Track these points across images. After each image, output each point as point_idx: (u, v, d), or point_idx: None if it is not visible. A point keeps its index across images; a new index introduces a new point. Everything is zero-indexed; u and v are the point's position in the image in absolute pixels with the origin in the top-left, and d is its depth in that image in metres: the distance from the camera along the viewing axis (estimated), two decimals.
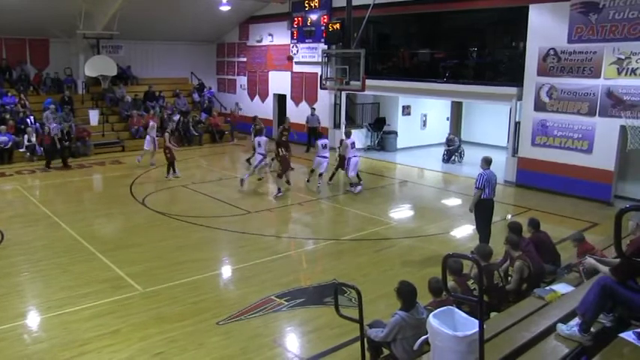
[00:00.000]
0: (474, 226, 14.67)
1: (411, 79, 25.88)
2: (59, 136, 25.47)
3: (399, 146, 29.90)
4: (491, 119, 29.86)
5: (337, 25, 26.46)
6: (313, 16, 29.70)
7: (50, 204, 18.98)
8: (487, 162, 14.21)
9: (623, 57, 18.79)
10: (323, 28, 28.39)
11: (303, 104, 31.52)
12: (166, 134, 23.37)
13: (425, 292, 8.36)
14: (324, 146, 21.60)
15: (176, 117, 31.62)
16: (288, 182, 20.79)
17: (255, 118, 26.92)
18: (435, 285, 8.27)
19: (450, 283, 8.54)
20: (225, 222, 17.25)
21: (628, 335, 6.43)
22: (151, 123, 26.44)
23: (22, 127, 26.93)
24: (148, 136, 25.73)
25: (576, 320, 6.90)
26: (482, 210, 14.15)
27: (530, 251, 10.37)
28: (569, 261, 10.90)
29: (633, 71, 18.64)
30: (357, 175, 21.41)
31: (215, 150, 30.65)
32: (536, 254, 10.43)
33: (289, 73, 32.40)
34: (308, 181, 21.82)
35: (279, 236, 16.34)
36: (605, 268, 7.48)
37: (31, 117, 27.74)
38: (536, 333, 7.14)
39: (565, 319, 7.24)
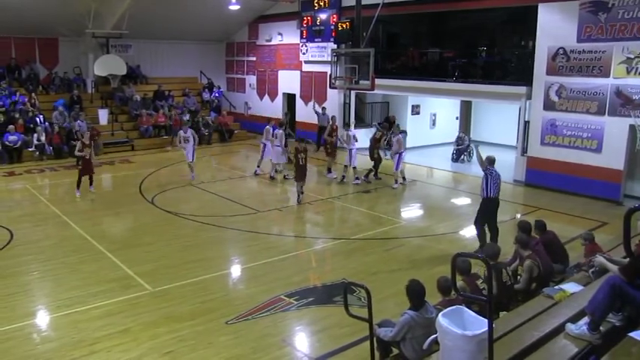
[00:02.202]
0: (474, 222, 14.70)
1: (420, 79, 25.85)
2: (84, 132, 25.66)
3: (408, 145, 29.78)
4: (500, 118, 29.79)
5: (346, 25, 26.52)
6: (322, 16, 29.69)
7: (59, 203, 19.02)
8: (491, 161, 14.27)
9: (632, 56, 18.73)
10: (332, 27, 28.39)
11: (313, 103, 31.49)
12: (79, 143, 20.12)
13: (434, 291, 8.36)
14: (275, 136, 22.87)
15: (186, 117, 31.70)
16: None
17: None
18: (444, 284, 8.27)
19: (459, 282, 8.54)
20: (234, 221, 17.26)
21: (637, 335, 6.41)
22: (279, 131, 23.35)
23: (32, 126, 27.01)
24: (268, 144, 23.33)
25: (585, 320, 6.88)
26: (488, 208, 14.22)
27: (540, 250, 10.35)
28: (578, 260, 10.88)
29: None
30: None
31: (224, 149, 30.68)
32: (545, 253, 10.42)
33: (299, 72, 32.41)
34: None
35: (288, 235, 16.38)
36: (614, 267, 7.47)
37: (41, 116, 27.81)
38: (546, 332, 7.13)
39: (574, 319, 7.22)
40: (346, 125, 23.89)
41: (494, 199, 14.19)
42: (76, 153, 20.40)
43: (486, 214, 14.37)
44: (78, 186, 19.89)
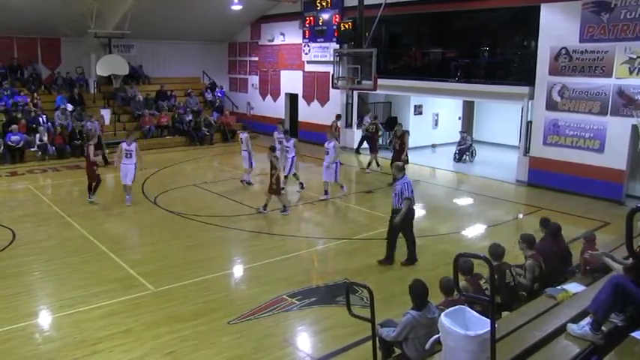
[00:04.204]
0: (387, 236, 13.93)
1: (423, 79, 25.85)
2: (98, 133, 25.42)
3: (410, 145, 29.73)
4: (502, 118, 29.76)
5: (349, 25, 26.50)
6: (325, 16, 29.69)
7: (61, 203, 19.04)
8: (400, 169, 13.88)
9: (634, 56, 18.71)
10: (335, 27, 28.38)
11: (315, 103, 31.55)
12: (91, 147, 18.87)
13: (436, 291, 8.36)
14: (242, 141, 21.70)
15: (188, 117, 31.73)
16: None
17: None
18: (447, 284, 8.28)
19: (462, 282, 8.54)
20: (236, 221, 17.28)
21: (639, 335, 6.41)
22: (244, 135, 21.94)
23: (34, 126, 27.03)
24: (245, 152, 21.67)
25: (587, 320, 6.88)
26: (409, 217, 13.66)
27: (544, 251, 10.33)
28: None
29: None
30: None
31: (226, 149, 30.69)
32: (552, 256, 10.40)
33: (301, 72, 32.46)
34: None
35: (290, 235, 16.33)
36: (618, 266, 7.46)
37: (43, 116, 27.82)
38: (548, 332, 7.13)
39: (576, 319, 7.22)
40: (286, 133, 22.48)
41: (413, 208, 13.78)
42: (94, 158, 18.94)
43: (410, 223, 13.80)
44: (93, 191, 19.09)
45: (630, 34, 18.76)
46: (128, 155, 18.83)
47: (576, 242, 12.00)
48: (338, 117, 27.21)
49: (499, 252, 9.54)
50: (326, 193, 19.97)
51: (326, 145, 19.92)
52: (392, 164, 21.18)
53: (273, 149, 18.08)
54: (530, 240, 10.30)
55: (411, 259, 13.79)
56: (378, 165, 24.27)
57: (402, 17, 27.84)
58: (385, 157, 25.23)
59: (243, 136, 21.68)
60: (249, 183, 21.71)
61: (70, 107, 28.66)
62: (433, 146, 30.79)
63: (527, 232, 10.64)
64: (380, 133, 26.85)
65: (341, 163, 20.42)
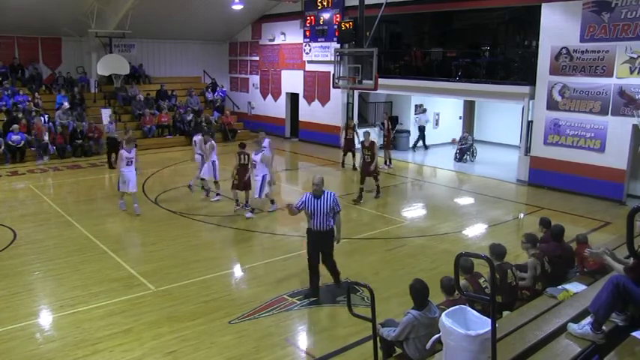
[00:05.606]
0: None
1: (424, 78, 25.84)
2: (113, 135, 25.21)
3: (411, 145, 29.86)
4: (503, 118, 29.76)
5: (350, 24, 26.49)
6: (326, 15, 29.69)
7: (62, 203, 19.05)
8: (320, 183, 12.43)
9: (635, 56, 18.70)
10: (335, 27, 28.37)
11: (316, 103, 31.55)
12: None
13: (437, 291, 8.35)
14: (195, 143, 20.57)
15: (189, 117, 31.70)
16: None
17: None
18: (448, 284, 8.27)
19: (462, 281, 8.54)
20: (236, 221, 17.29)
21: None
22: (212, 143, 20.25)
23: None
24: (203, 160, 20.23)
25: (588, 319, 6.88)
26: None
27: (549, 253, 10.31)
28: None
29: None
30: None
31: (227, 149, 30.63)
32: (556, 257, 10.39)
33: (302, 72, 32.43)
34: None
35: (291, 235, 16.27)
36: (619, 266, 7.46)
37: (45, 116, 27.81)
38: (549, 332, 7.13)
39: (577, 319, 7.22)
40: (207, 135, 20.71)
41: None
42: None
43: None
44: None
45: (631, 34, 18.74)
46: (129, 163, 17.67)
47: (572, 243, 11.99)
48: (351, 121, 26.76)
49: (500, 251, 9.53)
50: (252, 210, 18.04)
51: (252, 156, 17.68)
52: (362, 176, 20.26)
53: (242, 146, 17.90)
54: (533, 239, 10.32)
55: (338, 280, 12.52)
56: (386, 163, 24.35)
57: (403, 17, 27.88)
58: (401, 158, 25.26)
59: (197, 138, 20.58)
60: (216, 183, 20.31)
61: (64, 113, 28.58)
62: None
63: (530, 232, 10.67)
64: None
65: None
